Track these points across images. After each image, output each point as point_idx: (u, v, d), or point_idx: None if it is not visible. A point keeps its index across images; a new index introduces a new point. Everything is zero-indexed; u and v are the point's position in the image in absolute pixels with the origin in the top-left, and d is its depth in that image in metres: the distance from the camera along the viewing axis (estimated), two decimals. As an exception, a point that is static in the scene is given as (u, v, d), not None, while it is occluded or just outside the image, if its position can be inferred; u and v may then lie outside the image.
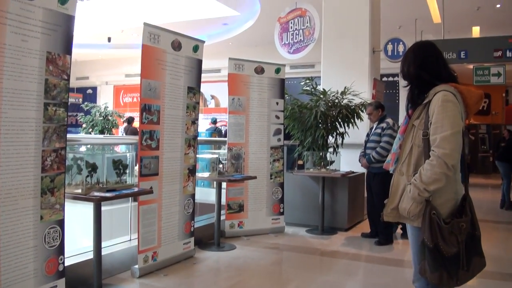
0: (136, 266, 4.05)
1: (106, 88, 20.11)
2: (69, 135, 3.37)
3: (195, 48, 4.66)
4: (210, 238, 5.24)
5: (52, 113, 3.03)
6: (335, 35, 7.66)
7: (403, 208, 2.27)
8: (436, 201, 2.22)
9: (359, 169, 6.15)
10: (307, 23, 7.60)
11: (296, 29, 7.74)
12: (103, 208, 6.21)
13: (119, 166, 3.76)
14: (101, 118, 11.85)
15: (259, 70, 5.82)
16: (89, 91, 20.25)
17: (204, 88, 17.25)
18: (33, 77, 2.88)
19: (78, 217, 4.53)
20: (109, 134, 11.94)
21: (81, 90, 20.05)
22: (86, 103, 13.15)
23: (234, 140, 5.68)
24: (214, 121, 13.08)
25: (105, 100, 17.65)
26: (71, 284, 3.42)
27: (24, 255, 2.88)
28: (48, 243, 3.05)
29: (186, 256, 4.60)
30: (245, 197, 5.71)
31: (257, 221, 5.76)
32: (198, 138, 4.94)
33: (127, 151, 4.75)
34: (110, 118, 12.04)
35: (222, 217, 5.51)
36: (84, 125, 12.16)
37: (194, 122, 4.71)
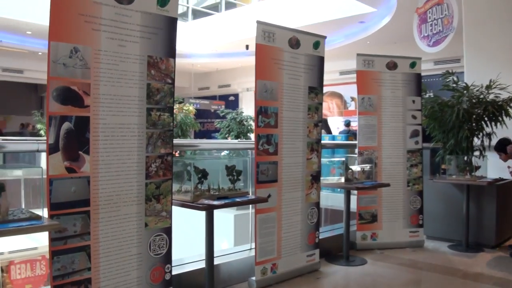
0: (253, 278, 3.82)
1: (247, 94, 20.65)
2: (179, 141, 3.26)
3: (316, 45, 4.30)
4: (340, 250, 4.82)
5: (156, 118, 2.92)
6: (476, 21, 6.73)
7: None
8: None
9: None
10: (445, 10, 6.73)
11: (434, 19, 6.90)
12: (226, 214, 6.19)
13: (232, 172, 3.56)
14: (237, 123, 12.10)
15: (391, 66, 5.23)
16: (231, 98, 21.01)
17: (344, 90, 16.86)
18: (133, 82, 2.80)
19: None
20: (245, 138, 12.14)
21: (224, 97, 20.91)
22: (221, 109, 13.56)
23: (365, 143, 5.18)
24: (348, 124, 12.51)
25: (247, 106, 18.13)
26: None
27: (126, 262, 2.81)
28: (154, 250, 2.95)
29: (310, 269, 4.25)
30: (379, 206, 5.17)
31: (392, 233, 5.17)
32: (332, 141, 4.57)
33: (246, 157, 4.57)
34: (245, 123, 12.23)
35: (354, 228, 5.07)
36: (221, 130, 12.54)
37: (317, 124, 4.36)
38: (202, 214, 3.27)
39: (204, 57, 17.92)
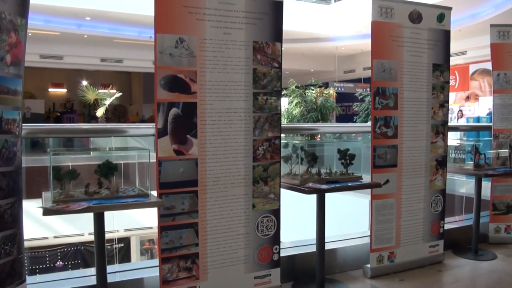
0: (368, 265, 3.71)
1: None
2: (298, 125, 3.27)
3: (440, 18, 3.95)
4: (470, 242, 4.45)
5: (263, 102, 2.96)
6: None
7: None
8: None
9: None
10: None
11: None
12: (360, 199, 6.06)
13: (345, 156, 3.48)
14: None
15: (531, 36, 4.60)
16: (376, 80, 20.36)
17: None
18: (239, 67, 2.86)
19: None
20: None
21: (369, 80, 20.36)
22: (360, 92, 13.17)
23: (501, 125, 4.66)
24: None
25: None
26: (289, 274, 3.40)
27: (233, 241, 2.92)
28: (261, 231, 3.02)
29: (432, 261, 3.99)
30: (516, 196, 4.64)
31: (530, 227, 4.62)
32: (467, 124, 4.22)
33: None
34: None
35: (486, 219, 4.64)
36: (360, 114, 12.21)
37: (443, 105, 4.03)
38: (332, 198, 3.26)
39: (348, 39, 17.56)
